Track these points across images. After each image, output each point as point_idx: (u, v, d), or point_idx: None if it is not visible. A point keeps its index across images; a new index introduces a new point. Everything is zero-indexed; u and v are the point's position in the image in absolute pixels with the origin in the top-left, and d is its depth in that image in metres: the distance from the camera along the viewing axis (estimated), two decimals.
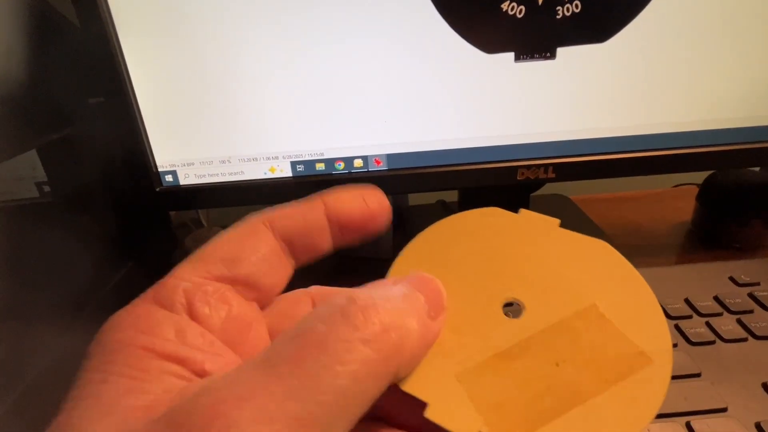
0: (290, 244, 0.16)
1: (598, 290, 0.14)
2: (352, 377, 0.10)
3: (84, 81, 0.35)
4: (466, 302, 0.14)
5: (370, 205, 0.16)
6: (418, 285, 0.14)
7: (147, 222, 0.41)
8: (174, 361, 0.12)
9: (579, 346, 0.13)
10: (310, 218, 0.16)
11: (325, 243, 0.16)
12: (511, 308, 0.14)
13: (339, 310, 0.11)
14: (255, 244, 0.15)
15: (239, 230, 0.15)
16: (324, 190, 0.16)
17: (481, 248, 0.15)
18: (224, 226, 0.15)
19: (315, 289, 0.17)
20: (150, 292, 0.14)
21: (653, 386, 0.12)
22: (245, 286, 0.14)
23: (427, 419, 0.12)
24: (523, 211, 0.16)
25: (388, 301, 0.12)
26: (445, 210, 0.48)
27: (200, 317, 0.13)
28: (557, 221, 0.15)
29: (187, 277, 0.14)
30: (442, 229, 0.16)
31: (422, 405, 0.13)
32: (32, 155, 0.31)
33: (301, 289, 0.17)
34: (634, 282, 0.14)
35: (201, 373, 0.12)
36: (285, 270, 0.16)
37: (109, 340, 0.12)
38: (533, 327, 0.13)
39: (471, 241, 0.15)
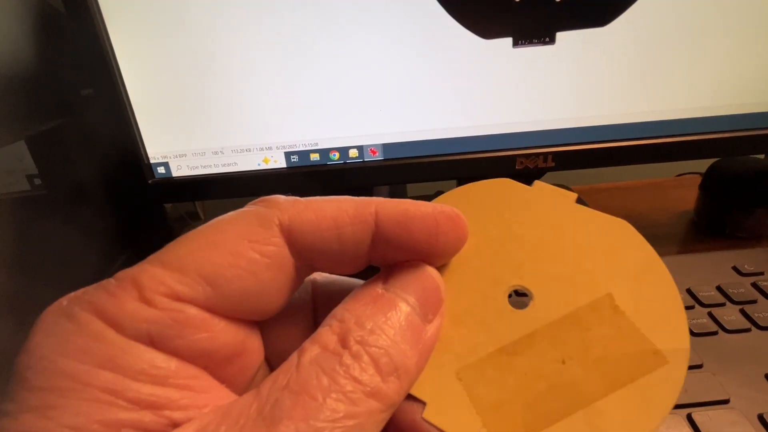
0: (307, 259, 0.12)
1: (614, 278, 0.13)
2: (358, 428, 0.10)
3: (75, 72, 0.34)
4: (469, 289, 0.13)
5: (441, 235, 0.12)
6: (409, 279, 0.12)
7: (141, 215, 0.41)
8: (149, 407, 0.10)
9: (588, 342, 0.12)
10: (348, 234, 0.12)
11: (356, 266, 0.13)
12: (519, 297, 0.13)
13: (337, 360, 0.10)
14: (254, 258, 0.11)
15: (238, 229, 0.11)
16: (380, 198, 0.12)
17: (488, 227, 0.14)
18: None
19: (319, 280, 0.15)
20: (96, 304, 0.10)
21: (664, 390, 0.11)
22: (233, 311, 0.12)
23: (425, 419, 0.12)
24: (537, 183, 0.14)
25: (377, 338, 0.11)
26: None
27: (171, 351, 0.11)
28: (574, 195, 0.14)
29: (151, 300, 0.10)
30: (448, 202, 0.14)
31: (421, 403, 0.12)
32: (21, 147, 0.31)
33: (303, 286, 0.15)
34: (655, 269, 0.13)
35: (179, 421, 0.10)
36: (290, 287, 0.12)
37: (54, 368, 0.10)
38: (541, 319, 0.12)
39: (478, 217, 0.14)
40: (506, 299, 0.13)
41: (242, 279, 0.11)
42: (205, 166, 0.34)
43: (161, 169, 0.34)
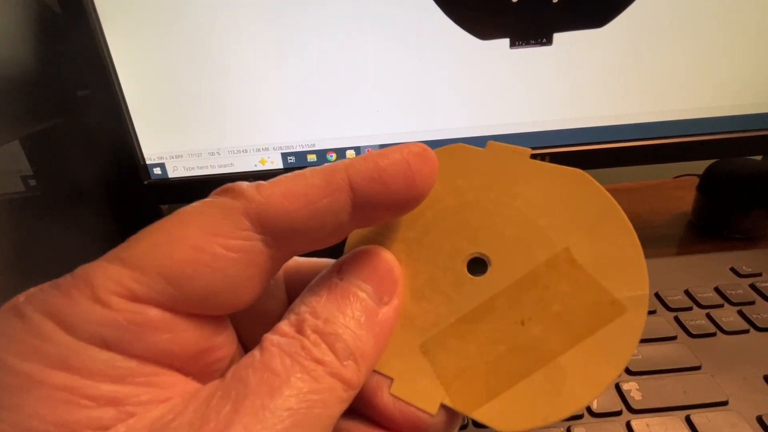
0: (284, 244, 0.11)
1: (571, 231, 0.12)
2: (322, 403, 0.10)
3: (71, 73, 0.34)
4: (428, 263, 0.13)
5: (417, 176, 0.12)
6: (363, 266, 0.13)
7: (137, 216, 0.41)
8: (111, 403, 0.09)
9: (547, 300, 0.12)
10: (323, 207, 0.11)
11: (336, 235, 0.12)
12: (477, 263, 0.13)
13: (298, 345, 0.11)
14: (219, 252, 0.10)
15: (200, 222, 0.11)
16: (347, 160, 0.12)
17: (442, 197, 0.13)
18: None
19: (289, 263, 0.15)
20: (47, 304, 0.10)
21: (623, 339, 0.11)
22: (198, 308, 0.11)
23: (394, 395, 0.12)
24: (490, 143, 0.14)
25: (331, 326, 0.11)
26: None
27: (128, 353, 0.10)
28: (528, 151, 0.14)
29: (105, 300, 0.10)
30: None
31: (389, 379, 0.13)
32: (16, 148, 0.31)
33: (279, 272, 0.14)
34: (612, 217, 0.12)
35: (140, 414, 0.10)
36: (263, 277, 0.12)
37: (5, 368, 0.09)
38: (500, 283, 0.12)
39: (439, 187, 0.13)
40: (465, 268, 0.13)
41: (206, 276, 0.10)
42: (201, 167, 0.34)
43: (157, 170, 0.34)
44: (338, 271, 0.13)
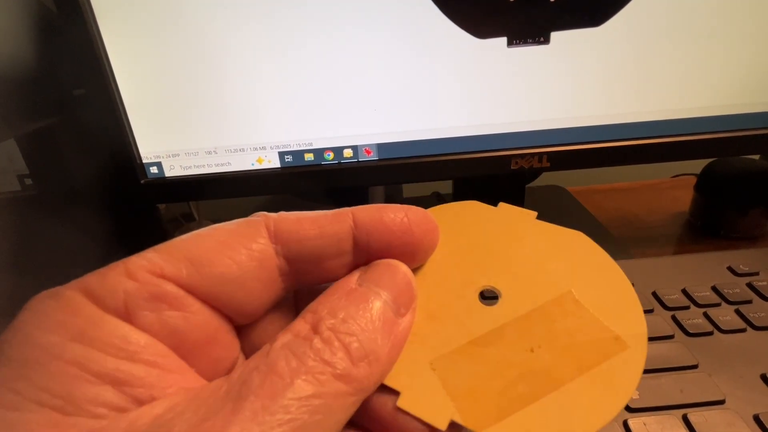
0: (293, 260, 0.13)
1: (574, 278, 0.14)
2: (325, 408, 0.10)
3: (67, 71, 0.34)
4: (441, 288, 0.14)
5: (414, 227, 0.13)
6: (382, 276, 0.13)
7: (135, 216, 0.41)
8: (112, 383, 0.10)
9: (554, 332, 0.13)
10: (330, 231, 0.13)
11: (340, 267, 0.13)
12: (488, 296, 0.14)
13: (308, 344, 0.11)
14: (239, 249, 0.12)
15: (228, 227, 0.12)
16: (356, 207, 0.13)
17: (458, 238, 0.15)
18: (215, 220, 0.13)
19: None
20: (84, 281, 0.11)
21: (628, 371, 0.12)
22: (212, 296, 0.12)
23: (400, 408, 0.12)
24: (501, 204, 0.16)
25: (349, 325, 0.11)
26: (439, 202, 0.48)
27: (143, 326, 0.11)
28: (534, 213, 0.15)
29: (134, 273, 0.11)
30: None
31: (396, 393, 0.12)
32: (12, 146, 0.31)
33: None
34: (610, 270, 0.14)
35: (143, 400, 0.10)
36: (273, 290, 0.13)
37: (30, 341, 0.10)
38: (509, 314, 0.13)
39: (449, 231, 0.15)
40: (477, 298, 0.14)
41: (225, 264, 0.12)
42: (198, 166, 0.34)
43: (154, 169, 0.33)
44: (357, 278, 0.13)
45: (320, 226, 0.13)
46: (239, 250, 0.12)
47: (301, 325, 0.11)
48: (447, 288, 0.14)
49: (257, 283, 0.12)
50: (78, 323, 0.10)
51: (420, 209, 0.14)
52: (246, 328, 0.14)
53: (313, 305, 0.12)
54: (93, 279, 0.11)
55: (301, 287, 0.14)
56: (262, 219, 0.13)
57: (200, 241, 0.12)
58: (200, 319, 0.12)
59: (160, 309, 0.11)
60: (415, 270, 0.14)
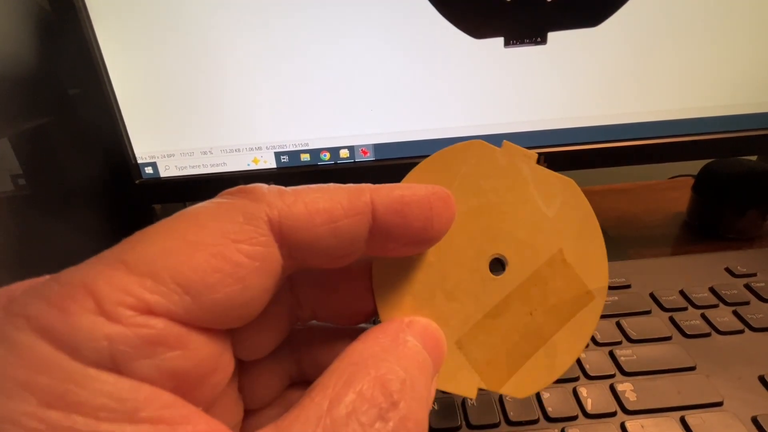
0: (299, 258, 0.11)
1: (564, 235, 0.15)
2: None
3: (62, 71, 0.34)
4: (457, 264, 0.15)
5: (436, 221, 0.12)
6: (425, 342, 0.12)
7: (129, 217, 0.40)
8: None
9: (547, 293, 0.15)
10: (344, 228, 0.11)
11: (350, 260, 0.12)
12: (497, 266, 0.15)
13: (376, 413, 0.09)
14: (241, 260, 0.10)
15: (221, 226, 0.10)
16: (372, 185, 0.11)
17: (468, 197, 0.15)
18: None
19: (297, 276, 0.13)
20: (37, 319, 0.08)
21: (591, 318, 0.15)
22: (211, 323, 0.10)
23: None
24: (506, 144, 0.16)
25: (416, 392, 0.10)
26: None
27: (142, 377, 0.09)
28: (535, 155, 0.16)
29: (113, 313, 0.08)
30: (427, 170, 0.15)
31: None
32: (5, 146, 0.30)
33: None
34: (591, 222, 0.15)
35: None
36: (272, 289, 0.11)
37: None
38: (515, 281, 0.15)
39: (458, 186, 0.15)
40: (488, 269, 0.15)
41: (227, 286, 0.09)
42: (193, 167, 0.33)
43: (149, 169, 0.33)
44: (410, 331, 0.12)
45: (334, 220, 0.11)
46: (241, 261, 0.10)
47: (367, 383, 0.10)
48: (461, 262, 0.15)
49: (261, 291, 0.10)
50: (52, 384, 0.08)
51: (445, 196, 0.12)
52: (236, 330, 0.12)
53: (368, 349, 0.10)
54: (55, 319, 0.08)
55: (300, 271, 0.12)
56: (263, 211, 0.10)
57: (189, 252, 0.09)
58: (203, 352, 0.10)
59: (157, 354, 0.09)
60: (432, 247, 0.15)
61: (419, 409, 0.10)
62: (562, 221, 0.15)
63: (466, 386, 0.14)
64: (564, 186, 0.15)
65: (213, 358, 0.10)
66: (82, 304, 0.08)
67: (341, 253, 0.11)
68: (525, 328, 0.15)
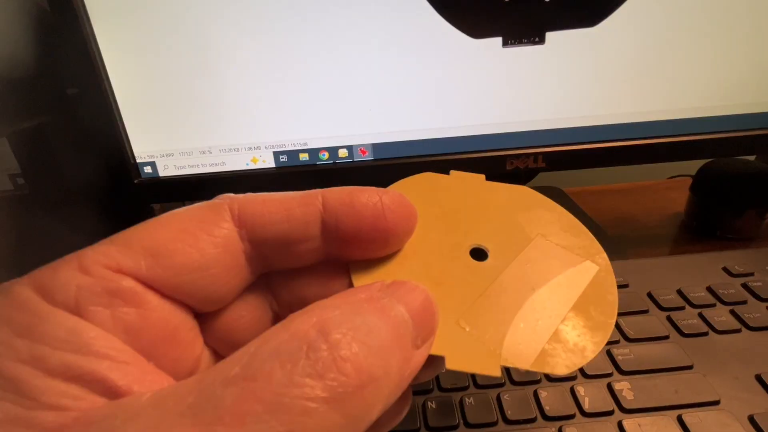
0: (259, 245, 0.12)
1: (537, 225, 0.16)
2: None
3: (61, 70, 0.34)
4: (435, 255, 0.15)
5: (388, 212, 0.12)
6: (405, 300, 0.11)
7: (128, 216, 0.40)
8: (69, 378, 0.09)
9: (542, 271, 0.15)
10: (297, 214, 0.12)
11: (310, 252, 0.12)
12: (479, 254, 0.15)
13: (304, 349, 0.09)
14: (201, 236, 0.11)
15: (189, 212, 0.12)
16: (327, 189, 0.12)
17: (430, 208, 0.16)
18: None
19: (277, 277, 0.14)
20: (36, 276, 0.10)
21: (606, 285, 0.15)
22: (174, 288, 0.11)
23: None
24: (453, 172, 0.17)
25: (368, 337, 0.09)
26: None
27: (95, 321, 0.10)
28: (483, 176, 0.17)
29: (88, 268, 0.10)
30: None
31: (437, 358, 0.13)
32: (4, 146, 0.30)
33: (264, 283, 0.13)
34: (557, 211, 0.17)
35: (109, 391, 0.09)
36: (240, 276, 0.12)
37: None
38: (503, 265, 0.15)
39: (420, 203, 0.16)
40: (469, 257, 0.15)
41: (186, 254, 0.11)
42: (192, 166, 0.33)
43: (148, 169, 0.33)
44: (378, 288, 0.11)
45: (287, 208, 0.12)
46: (201, 236, 0.11)
47: (305, 324, 0.09)
48: (440, 254, 0.15)
49: (222, 270, 0.12)
50: (24, 318, 0.10)
51: (397, 193, 0.13)
52: (212, 316, 0.13)
53: (323, 302, 0.10)
54: (45, 273, 0.10)
55: (271, 271, 0.13)
56: (226, 201, 0.12)
57: (160, 229, 0.11)
58: (159, 315, 0.11)
59: (114, 305, 0.10)
60: (405, 242, 0.15)
61: (374, 364, 0.09)
62: (531, 217, 0.16)
63: (486, 365, 0.13)
64: (522, 192, 0.17)
65: (171, 324, 0.11)
66: (70, 264, 0.10)
67: (296, 238, 0.12)
68: (534, 303, 0.14)
